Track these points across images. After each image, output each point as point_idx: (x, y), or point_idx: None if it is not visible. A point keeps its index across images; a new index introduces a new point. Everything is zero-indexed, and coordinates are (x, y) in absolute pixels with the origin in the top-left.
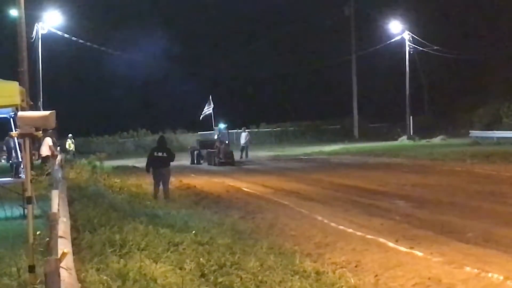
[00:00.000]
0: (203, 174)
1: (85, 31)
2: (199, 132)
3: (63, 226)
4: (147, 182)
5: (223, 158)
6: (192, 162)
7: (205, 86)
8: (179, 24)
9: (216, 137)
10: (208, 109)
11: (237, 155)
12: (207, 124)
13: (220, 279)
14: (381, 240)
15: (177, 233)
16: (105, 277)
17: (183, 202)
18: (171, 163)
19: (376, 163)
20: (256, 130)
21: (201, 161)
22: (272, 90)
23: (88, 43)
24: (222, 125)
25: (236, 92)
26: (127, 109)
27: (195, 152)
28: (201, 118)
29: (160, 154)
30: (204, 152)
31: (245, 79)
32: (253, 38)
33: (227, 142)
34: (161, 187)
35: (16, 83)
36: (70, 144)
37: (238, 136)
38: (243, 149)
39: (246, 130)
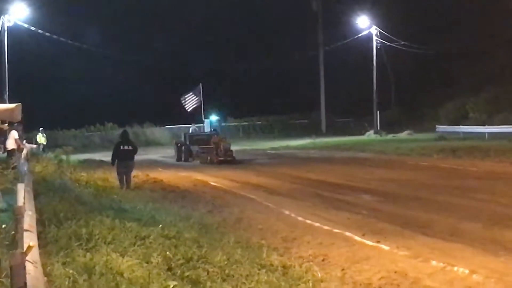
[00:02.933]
0: (170, 168)
1: (52, 24)
2: (166, 126)
3: (29, 220)
4: (113, 176)
5: (223, 156)
6: (179, 159)
7: (171, 81)
8: (147, 16)
9: (211, 131)
10: (196, 100)
11: None
12: (192, 117)
13: (187, 273)
14: (348, 234)
15: (144, 227)
16: (71, 271)
17: (150, 196)
18: (150, 157)
19: (343, 158)
20: (224, 124)
21: (190, 159)
22: (239, 84)
23: (55, 36)
24: (214, 118)
25: (204, 87)
26: (94, 102)
27: (183, 148)
28: (188, 110)
29: (126, 147)
30: (195, 148)
31: (212, 74)
32: (220, 32)
33: (224, 136)
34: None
35: None
36: (41, 137)
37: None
38: None
39: (195, 125)
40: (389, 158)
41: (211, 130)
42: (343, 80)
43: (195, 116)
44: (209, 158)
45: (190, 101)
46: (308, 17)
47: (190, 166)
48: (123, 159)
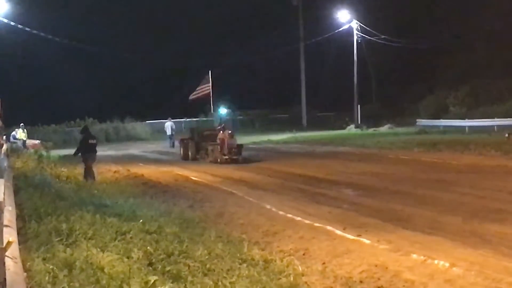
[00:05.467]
0: (151, 163)
1: (31, 19)
2: (147, 121)
3: (9, 215)
4: (93, 171)
5: (228, 154)
6: (186, 157)
7: (149, 75)
8: (127, 11)
9: (220, 125)
10: (204, 89)
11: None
12: (195, 109)
13: (168, 268)
14: (329, 228)
15: (124, 222)
16: (51, 266)
17: (131, 191)
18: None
19: (324, 152)
20: (205, 118)
21: (198, 156)
22: (219, 78)
23: (35, 31)
24: (223, 110)
25: (186, 81)
26: (74, 98)
27: (189, 144)
28: (190, 98)
29: (93, 141)
30: (203, 145)
31: (193, 68)
32: (199, 24)
33: (230, 132)
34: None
35: None
36: (21, 133)
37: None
38: (171, 138)
39: (171, 120)
40: (370, 152)
41: (220, 124)
42: (324, 74)
43: (205, 107)
44: (214, 156)
45: (201, 91)
46: (288, 11)
47: (171, 161)
48: (91, 152)
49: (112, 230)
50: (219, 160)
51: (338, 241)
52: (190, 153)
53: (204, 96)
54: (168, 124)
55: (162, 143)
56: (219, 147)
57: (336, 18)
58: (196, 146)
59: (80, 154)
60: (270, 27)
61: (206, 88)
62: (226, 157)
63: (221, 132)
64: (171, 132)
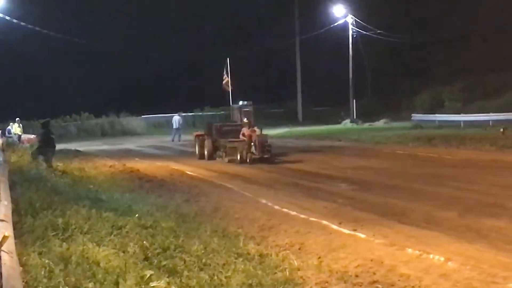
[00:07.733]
0: (147, 158)
1: (26, 13)
2: (143, 116)
3: (4, 210)
4: (89, 166)
5: (258, 152)
6: (201, 157)
7: (145, 69)
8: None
9: (244, 120)
10: (224, 79)
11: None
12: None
13: (163, 262)
14: (324, 222)
15: (120, 216)
16: (47, 261)
17: (127, 185)
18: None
19: (320, 147)
20: (201, 113)
21: (215, 156)
22: (216, 74)
23: (30, 26)
24: (244, 103)
25: (182, 76)
26: (69, 92)
27: (206, 142)
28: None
29: (53, 136)
30: (223, 142)
31: (189, 63)
32: (197, 20)
33: (255, 127)
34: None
35: None
36: (16, 128)
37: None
38: (177, 132)
39: (182, 114)
40: (365, 146)
41: (241, 118)
42: (320, 69)
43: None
44: (239, 155)
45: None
46: (284, 6)
47: (167, 156)
48: (50, 145)
49: (108, 225)
50: (248, 160)
51: (334, 235)
52: (206, 152)
53: (224, 86)
54: (176, 118)
55: (159, 138)
56: (246, 144)
57: (332, 13)
58: (213, 144)
59: (39, 147)
60: (266, 21)
61: (224, 78)
62: (257, 156)
63: (247, 127)
64: (177, 126)
